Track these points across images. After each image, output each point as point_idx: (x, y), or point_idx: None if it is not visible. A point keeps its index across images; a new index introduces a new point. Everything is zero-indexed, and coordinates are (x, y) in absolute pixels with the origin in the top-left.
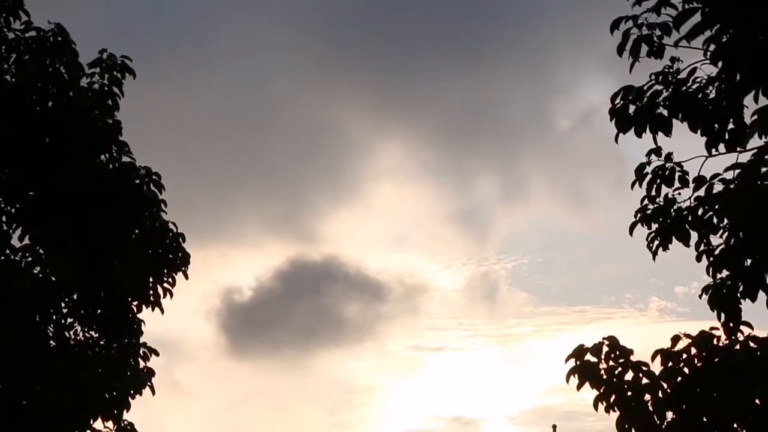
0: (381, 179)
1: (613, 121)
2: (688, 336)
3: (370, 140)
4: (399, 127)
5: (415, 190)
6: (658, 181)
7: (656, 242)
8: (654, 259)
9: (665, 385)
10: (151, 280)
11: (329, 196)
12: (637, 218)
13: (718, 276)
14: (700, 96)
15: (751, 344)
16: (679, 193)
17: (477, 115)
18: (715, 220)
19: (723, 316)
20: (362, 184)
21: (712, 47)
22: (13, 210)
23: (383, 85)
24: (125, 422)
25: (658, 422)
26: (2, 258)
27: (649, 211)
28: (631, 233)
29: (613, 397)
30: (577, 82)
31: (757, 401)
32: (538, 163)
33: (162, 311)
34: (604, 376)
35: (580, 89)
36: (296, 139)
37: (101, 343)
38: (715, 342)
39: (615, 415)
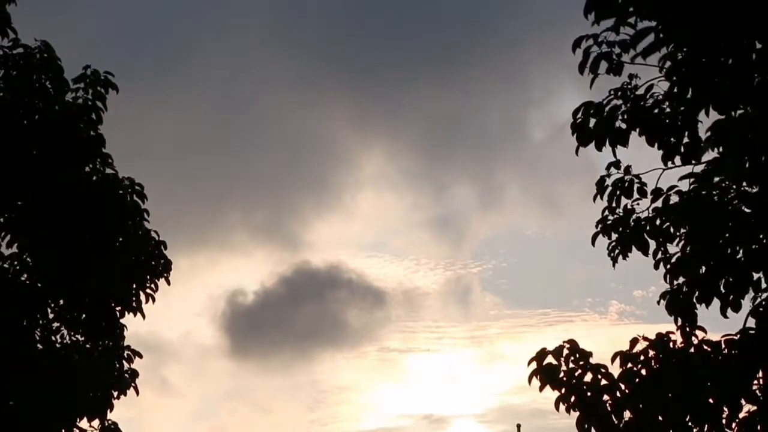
0: (362, 187)
1: (575, 135)
2: (645, 339)
3: (352, 150)
4: (379, 137)
5: (394, 197)
6: (618, 192)
7: (617, 251)
8: (614, 267)
9: (623, 386)
10: (134, 286)
11: (313, 203)
12: (599, 228)
13: (675, 282)
14: (656, 111)
15: (705, 347)
16: (638, 204)
17: (454, 125)
18: (671, 230)
19: (679, 320)
20: (344, 191)
21: (668, 64)
22: (1, 219)
23: (364, 97)
24: (109, 421)
25: (617, 422)
26: None
27: (609, 222)
28: (593, 243)
29: (573, 398)
30: (551, 94)
31: (710, 401)
32: (512, 172)
33: (144, 316)
34: (564, 378)
35: (554, 101)
36: (281, 149)
37: (86, 346)
38: (671, 345)
39: (576, 414)
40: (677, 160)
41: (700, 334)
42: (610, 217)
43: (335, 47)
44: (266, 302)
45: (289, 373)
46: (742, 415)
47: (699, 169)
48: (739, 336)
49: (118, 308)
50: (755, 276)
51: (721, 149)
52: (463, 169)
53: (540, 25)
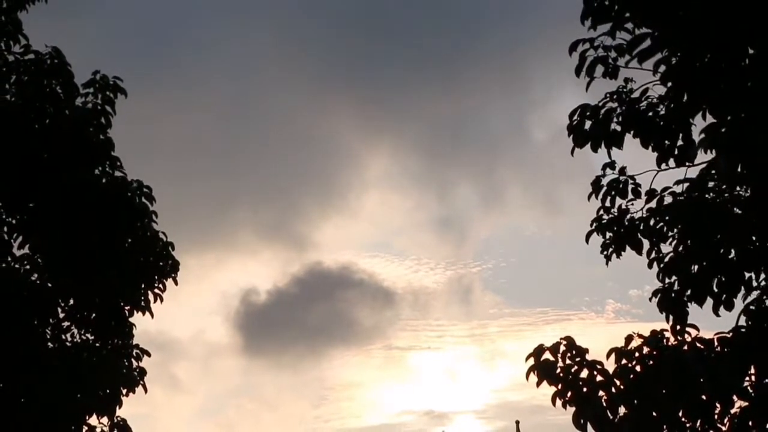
0: (367, 188)
1: (571, 136)
2: (640, 336)
3: (356, 151)
4: (383, 138)
5: (398, 198)
6: (613, 193)
7: (610, 249)
8: (607, 264)
9: (618, 382)
10: (142, 286)
11: (318, 203)
12: (593, 227)
13: (667, 281)
14: (651, 114)
15: (698, 345)
16: (632, 204)
17: (457, 127)
18: (665, 230)
19: (671, 318)
20: (349, 192)
21: (662, 68)
22: (14, 221)
23: (369, 100)
24: (118, 418)
25: (612, 417)
26: (3, 266)
27: (604, 221)
28: (587, 241)
29: (570, 393)
30: (552, 96)
31: (703, 397)
32: (513, 173)
33: (152, 315)
34: (561, 374)
35: (555, 103)
36: (286, 150)
37: (96, 345)
38: (665, 342)
39: (572, 410)
40: (671, 162)
41: (692, 331)
42: (605, 217)
43: (340, 50)
44: (279, 301)
45: (297, 370)
46: (733, 410)
47: (693, 171)
48: (731, 334)
49: (127, 308)
50: (747, 275)
51: (714, 152)
52: (466, 169)
53: (541, 27)
